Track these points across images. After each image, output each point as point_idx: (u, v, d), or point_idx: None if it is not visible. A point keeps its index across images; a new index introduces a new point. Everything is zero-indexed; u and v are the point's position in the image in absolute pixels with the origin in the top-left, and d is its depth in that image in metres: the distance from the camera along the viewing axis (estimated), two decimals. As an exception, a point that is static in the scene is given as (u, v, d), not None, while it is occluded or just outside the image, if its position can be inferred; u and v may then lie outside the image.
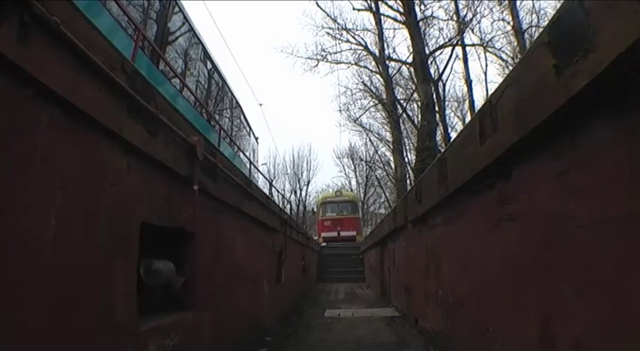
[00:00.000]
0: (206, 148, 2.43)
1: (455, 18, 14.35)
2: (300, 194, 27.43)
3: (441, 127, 13.81)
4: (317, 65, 16.01)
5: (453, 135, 13.05)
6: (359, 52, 15.71)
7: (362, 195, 25.78)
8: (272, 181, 23.31)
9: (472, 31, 14.91)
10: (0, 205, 1.04)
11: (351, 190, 25.79)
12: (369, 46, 15.40)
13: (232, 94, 9.99)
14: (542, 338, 1.50)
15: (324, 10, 15.92)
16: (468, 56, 15.62)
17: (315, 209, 20.39)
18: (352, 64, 16.00)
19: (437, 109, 12.82)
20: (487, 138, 1.90)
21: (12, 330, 1.05)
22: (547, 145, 1.46)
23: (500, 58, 15.07)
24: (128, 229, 1.65)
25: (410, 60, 13.30)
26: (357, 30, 15.36)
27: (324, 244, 16.08)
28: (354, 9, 14.80)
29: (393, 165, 17.24)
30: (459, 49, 14.94)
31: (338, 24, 15.21)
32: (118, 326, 1.52)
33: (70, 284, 1.28)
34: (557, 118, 1.31)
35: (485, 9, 13.98)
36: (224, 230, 2.93)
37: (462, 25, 14.02)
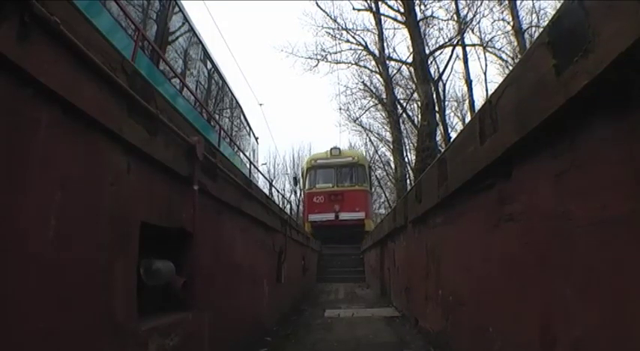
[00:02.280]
0: (206, 148, 2.43)
1: (455, 18, 14.36)
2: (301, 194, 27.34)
3: (441, 127, 13.84)
4: (317, 65, 16.05)
5: (453, 135, 13.07)
6: (359, 52, 15.74)
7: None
8: (272, 181, 23.22)
9: (472, 31, 14.94)
10: (0, 205, 1.04)
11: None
12: (369, 46, 15.43)
13: (232, 94, 9.99)
14: (542, 338, 1.50)
15: (324, 10, 15.98)
16: (468, 56, 15.65)
17: (299, 178, 14.25)
18: (352, 64, 16.03)
19: (437, 109, 12.85)
20: (487, 138, 1.90)
21: (12, 330, 1.05)
22: (547, 145, 1.46)
23: (500, 58, 15.09)
24: (128, 229, 1.65)
25: (410, 60, 13.34)
26: (357, 30, 15.40)
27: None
28: (354, 9, 14.85)
29: (393, 165, 17.17)
30: (459, 49, 14.96)
31: (338, 24, 15.25)
32: (118, 326, 1.52)
33: (69, 284, 1.28)
34: (557, 118, 1.31)
35: (485, 9, 14.01)
36: (224, 230, 2.93)
37: (462, 25, 14.04)
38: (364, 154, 16.33)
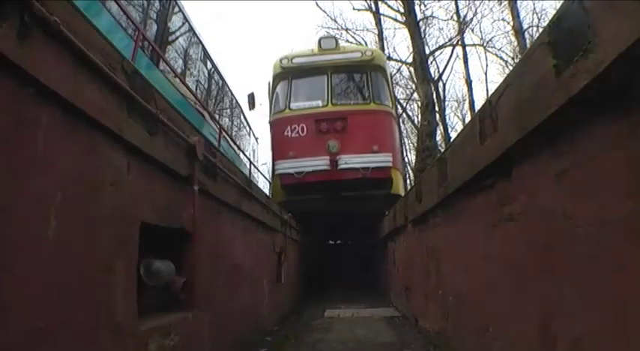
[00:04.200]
0: (206, 148, 2.43)
1: (455, 18, 14.39)
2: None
3: (441, 127, 13.85)
4: (317, 64, 15.90)
5: (453, 135, 13.07)
6: (359, 51, 15.70)
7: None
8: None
9: (472, 31, 14.96)
10: (0, 205, 1.04)
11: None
12: (369, 46, 15.43)
13: (232, 94, 10.00)
14: (542, 338, 1.50)
15: (323, 11, 15.95)
16: (468, 56, 15.68)
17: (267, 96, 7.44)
18: (352, 64, 15.97)
19: (437, 109, 12.85)
20: (487, 138, 1.90)
21: (12, 330, 1.05)
22: (547, 145, 1.46)
23: (501, 58, 15.11)
24: (128, 229, 1.65)
25: (410, 60, 13.33)
26: (357, 30, 15.39)
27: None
28: (354, 9, 14.87)
29: (393, 165, 17.10)
30: (459, 49, 14.98)
31: (338, 24, 15.23)
32: (118, 326, 1.52)
33: (70, 284, 1.28)
34: (558, 118, 1.31)
35: (485, 9, 14.04)
36: (224, 230, 2.93)
37: (462, 25, 14.05)
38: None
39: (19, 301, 1.08)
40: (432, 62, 14.13)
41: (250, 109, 8.89)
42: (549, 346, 1.44)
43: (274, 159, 6.56)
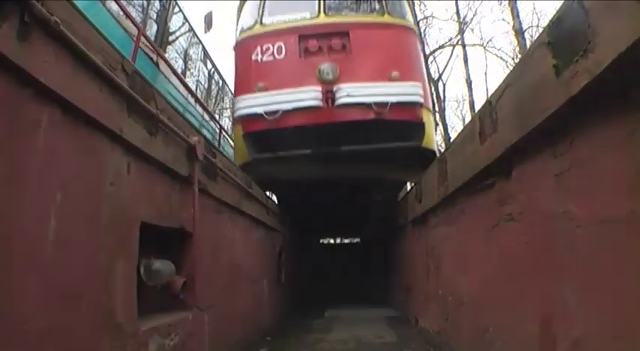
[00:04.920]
0: (206, 147, 2.43)
1: (455, 18, 14.39)
2: (300, 194, 27.00)
3: (441, 127, 13.83)
4: (317, 63, 15.77)
5: (453, 135, 13.06)
6: (359, 51, 15.64)
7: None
8: (272, 181, 22.94)
9: (472, 31, 14.97)
10: (0, 205, 1.04)
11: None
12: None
13: (232, 94, 10.01)
14: (542, 338, 1.50)
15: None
16: (468, 56, 15.68)
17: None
18: (352, 64, 15.90)
19: (437, 109, 12.84)
20: (487, 138, 1.90)
21: (12, 329, 1.05)
22: (547, 145, 1.46)
23: (501, 58, 15.12)
24: (128, 229, 1.65)
25: (410, 60, 13.30)
26: (357, 29, 15.30)
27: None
28: (354, 8, 14.76)
29: (393, 165, 17.05)
30: (459, 49, 14.97)
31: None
32: (118, 326, 1.52)
33: (70, 284, 1.28)
34: (557, 117, 1.31)
35: (485, 9, 14.05)
36: (224, 230, 2.93)
37: (462, 25, 14.05)
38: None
39: (20, 301, 1.08)
40: (432, 62, 14.11)
41: (205, 31, 6.68)
42: (549, 346, 1.44)
43: (239, 93, 4.30)
